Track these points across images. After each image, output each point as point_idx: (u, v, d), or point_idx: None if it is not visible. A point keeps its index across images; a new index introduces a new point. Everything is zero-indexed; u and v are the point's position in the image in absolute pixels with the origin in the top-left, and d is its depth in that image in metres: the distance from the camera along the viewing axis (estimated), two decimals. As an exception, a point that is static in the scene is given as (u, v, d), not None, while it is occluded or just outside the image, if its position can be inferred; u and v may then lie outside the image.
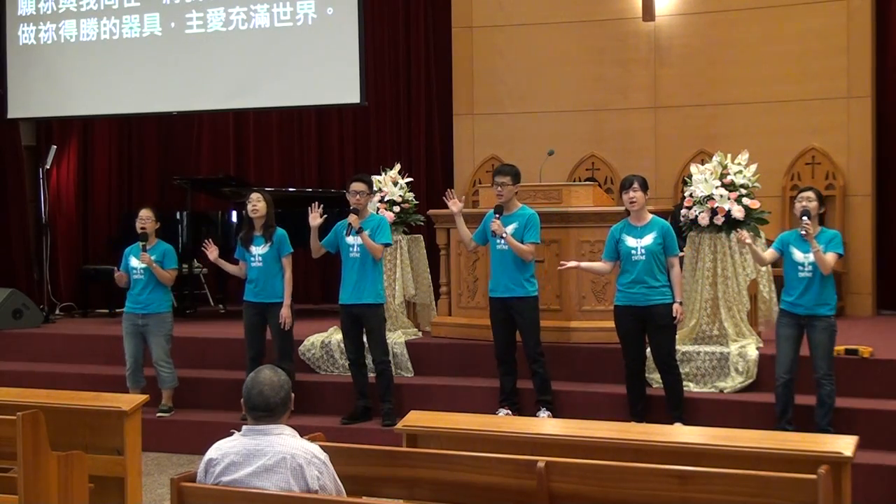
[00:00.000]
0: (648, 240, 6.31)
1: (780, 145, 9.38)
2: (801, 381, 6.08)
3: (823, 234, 6.04)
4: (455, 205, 6.89)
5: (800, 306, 6.04)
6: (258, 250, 7.18)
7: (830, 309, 6.01)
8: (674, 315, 6.29)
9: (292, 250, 7.25)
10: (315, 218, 6.99)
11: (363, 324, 7.05)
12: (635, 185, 6.34)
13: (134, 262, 7.41)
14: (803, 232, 5.91)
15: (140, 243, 7.34)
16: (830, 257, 5.95)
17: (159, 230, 7.51)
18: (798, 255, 6.03)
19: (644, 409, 6.49)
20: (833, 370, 6.02)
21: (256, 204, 7.17)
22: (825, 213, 6.19)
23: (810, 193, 6.06)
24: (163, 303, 7.44)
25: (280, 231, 7.23)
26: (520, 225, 6.71)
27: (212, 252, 7.27)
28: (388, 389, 7.05)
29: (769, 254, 6.29)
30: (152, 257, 7.32)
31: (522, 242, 6.65)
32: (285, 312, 7.13)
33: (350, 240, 6.97)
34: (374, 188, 7.94)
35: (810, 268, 5.98)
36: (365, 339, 7.15)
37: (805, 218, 5.92)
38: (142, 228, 7.35)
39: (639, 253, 6.31)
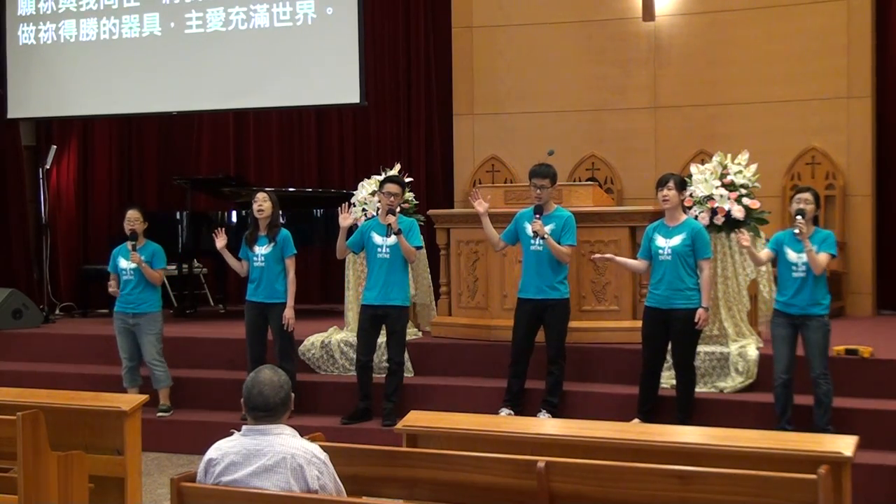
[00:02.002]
0: (677, 240, 6.29)
1: (781, 145, 9.37)
2: (800, 381, 6.08)
3: (817, 235, 6.05)
4: (481, 205, 6.85)
5: (793, 306, 6.05)
6: (261, 250, 7.18)
7: (824, 309, 6.02)
8: (695, 320, 6.26)
9: (296, 251, 7.25)
10: (346, 218, 7.00)
11: (387, 325, 7.04)
12: (670, 183, 6.33)
13: (123, 263, 7.42)
14: (796, 231, 5.93)
15: (129, 243, 7.35)
16: (823, 257, 5.96)
17: (148, 230, 7.52)
18: (792, 255, 6.03)
19: (652, 409, 6.47)
20: (829, 369, 6.01)
21: (262, 204, 7.18)
22: (820, 215, 6.18)
23: (808, 195, 6.05)
24: (153, 302, 7.45)
25: (284, 232, 7.24)
26: (557, 227, 6.68)
27: (220, 240, 7.27)
28: (396, 389, 7.05)
29: (764, 254, 6.30)
30: (142, 257, 7.32)
31: (559, 244, 6.65)
32: (288, 314, 7.14)
33: (379, 240, 6.97)
34: (372, 188, 7.94)
35: (804, 268, 5.99)
36: (381, 340, 7.16)
37: (799, 217, 5.93)
38: (130, 229, 7.36)
39: (665, 253, 6.30)
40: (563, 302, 6.75)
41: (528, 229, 6.71)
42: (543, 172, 6.73)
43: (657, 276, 6.35)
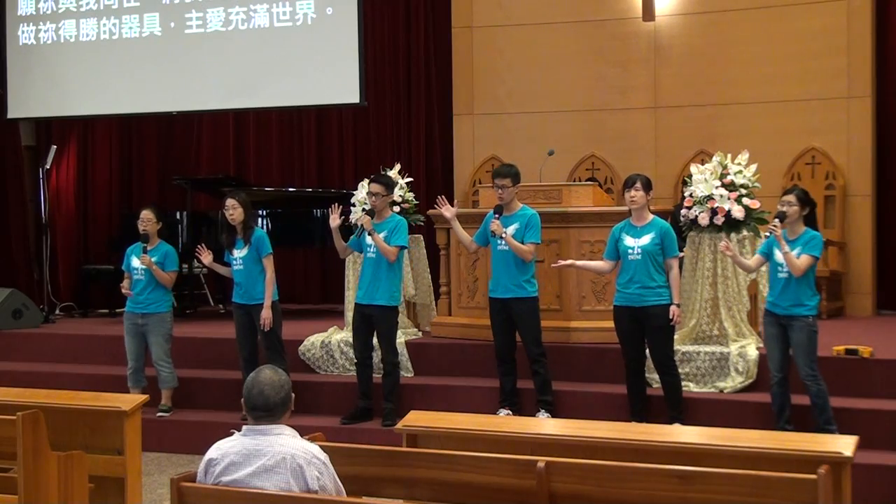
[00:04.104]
0: (646, 240, 6.32)
1: (780, 145, 9.37)
2: (797, 381, 6.08)
3: (804, 235, 6.04)
4: (448, 210, 6.88)
5: (778, 306, 6.07)
6: (239, 253, 7.17)
7: (808, 310, 5.99)
8: (670, 317, 6.29)
9: (272, 251, 7.20)
10: (334, 219, 6.98)
11: (374, 325, 7.04)
12: (637, 184, 6.35)
13: (135, 263, 7.42)
14: (767, 233, 5.98)
15: (141, 244, 7.34)
16: (803, 260, 5.93)
17: (161, 230, 7.51)
18: (778, 255, 6.06)
19: (644, 409, 6.49)
20: (817, 370, 5.99)
21: (233, 212, 7.13)
22: (820, 215, 6.15)
23: (791, 197, 6.06)
24: (163, 303, 7.44)
25: (258, 232, 7.22)
26: (521, 225, 6.70)
27: (205, 257, 7.27)
28: (392, 390, 7.05)
29: (754, 260, 6.33)
30: (153, 259, 7.32)
31: (523, 242, 6.66)
32: (265, 314, 7.08)
33: (369, 240, 6.97)
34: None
35: (787, 268, 5.99)
36: (375, 339, 7.16)
37: (777, 220, 5.96)
38: (143, 230, 7.36)
39: (635, 252, 6.32)
40: (530, 301, 6.75)
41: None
42: (504, 172, 6.76)
43: (627, 275, 6.38)
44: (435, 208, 7.12)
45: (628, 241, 6.38)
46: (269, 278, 7.13)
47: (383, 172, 8.07)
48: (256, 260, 7.15)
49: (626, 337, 6.48)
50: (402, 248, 7.04)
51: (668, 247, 6.34)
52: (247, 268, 7.15)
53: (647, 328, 6.37)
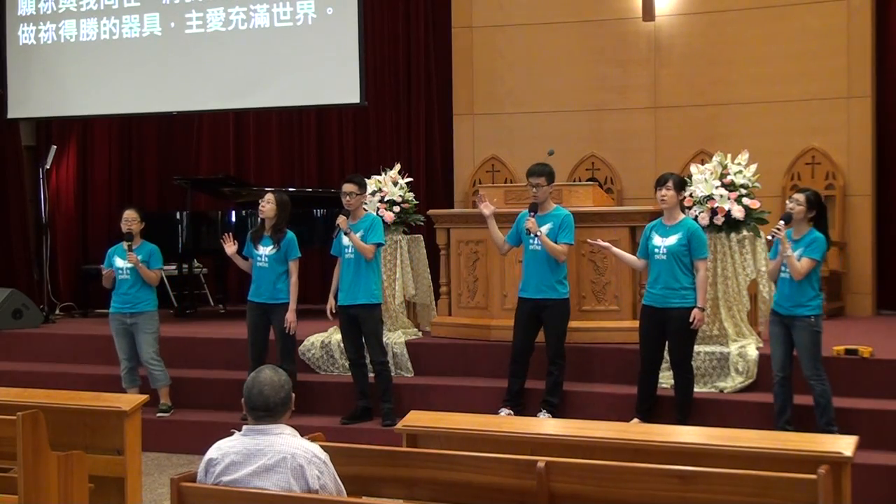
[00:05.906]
0: (672, 240, 6.29)
1: (780, 145, 9.38)
2: (800, 381, 6.07)
3: (807, 237, 6.02)
4: (487, 208, 6.83)
5: (781, 306, 6.07)
6: (265, 250, 7.18)
7: (810, 310, 5.97)
8: (691, 320, 6.25)
9: (300, 255, 7.24)
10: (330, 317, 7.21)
11: (360, 326, 7.05)
12: (669, 183, 6.33)
13: (119, 263, 7.42)
14: (770, 237, 5.98)
15: (125, 243, 7.35)
16: (804, 263, 5.91)
17: (149, 230, 7.52)
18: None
19: (650, 408, 6.48)
20: (820, 370, 5.99)
21: (265, 205, 7.19)
22: (819, 216, 6.09)
23: (799, 196, 6.05)
24: (149, 301, 7.45)
25: (289, 235, 7.22)
26: (554, 225, 6.68)
27: (230, 247, 7.29)
28: (387, 390, 7.05)
29: (773, 263, 6.24)
30: (139, 257, 7.33)
31: (556, 243, 6.65)
32: (290, 317, 7.12)
33: (346, 241, 6.98)
34: (372, 188, 7.93)
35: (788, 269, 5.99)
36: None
37: (782, 221, 5.95)
38: (127, 229, 7.37)
39: (661, 252, 6.30)
40: (562, 302, 6.74)
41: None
42: (539, 171, 6.73)
43: (653, 275, 6.37)
44: (479, 204, 7.00)
45: (656, 240, 6.36)
46: (294, 282, 7.18)
47: (383, 172, 8.08)
48: (282, 261, 7.17)
49: (644, 337, 6.47)
50: (379, 245, 7.06)
51: (696, 248, 6.29)
52: (271, 266, 7.16)
53: (668, 329, 6.35)
